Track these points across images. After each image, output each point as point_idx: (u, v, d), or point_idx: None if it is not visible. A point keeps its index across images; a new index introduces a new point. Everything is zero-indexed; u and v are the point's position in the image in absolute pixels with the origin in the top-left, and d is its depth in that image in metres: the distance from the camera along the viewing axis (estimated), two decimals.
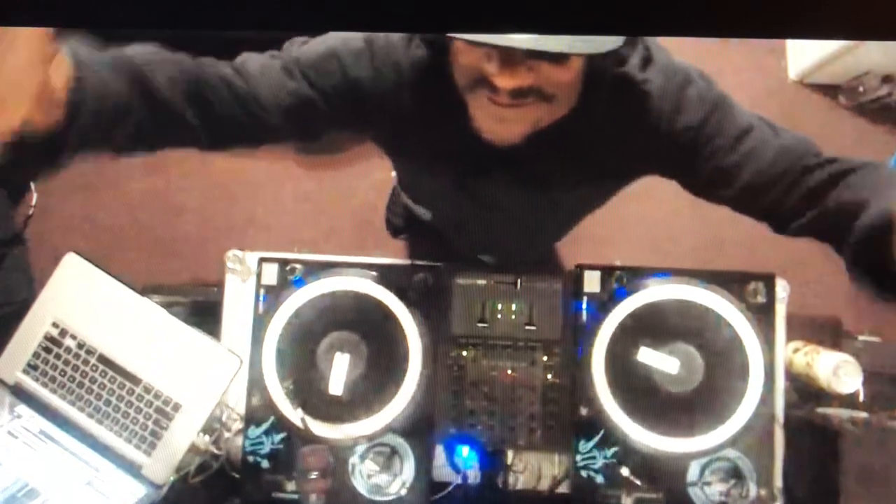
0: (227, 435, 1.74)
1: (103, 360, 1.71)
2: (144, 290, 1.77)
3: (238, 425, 1.73)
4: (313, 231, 3.09)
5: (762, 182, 1.44)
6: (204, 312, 1.84)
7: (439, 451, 1.73)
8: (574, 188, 1.64)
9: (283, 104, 1.43)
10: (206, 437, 1.71)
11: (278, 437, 1.69)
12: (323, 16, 0.54)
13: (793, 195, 1.43)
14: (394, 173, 2.18)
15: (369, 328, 1.69)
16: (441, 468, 1.73)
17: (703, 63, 3.10)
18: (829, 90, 3.12)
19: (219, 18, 0.56)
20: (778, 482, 1.66)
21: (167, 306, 1.74)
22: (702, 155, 1.44)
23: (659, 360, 1.62)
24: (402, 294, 1.69)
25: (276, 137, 1.52)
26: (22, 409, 1.70)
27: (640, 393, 1.64)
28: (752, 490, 1.63)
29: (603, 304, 1.68)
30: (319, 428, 1.66)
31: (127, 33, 1.31)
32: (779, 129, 1.46)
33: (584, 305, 1.69)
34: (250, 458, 1.69)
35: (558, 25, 0.56)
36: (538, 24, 0.57)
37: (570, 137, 1.43)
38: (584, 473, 1.66)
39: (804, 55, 3.06)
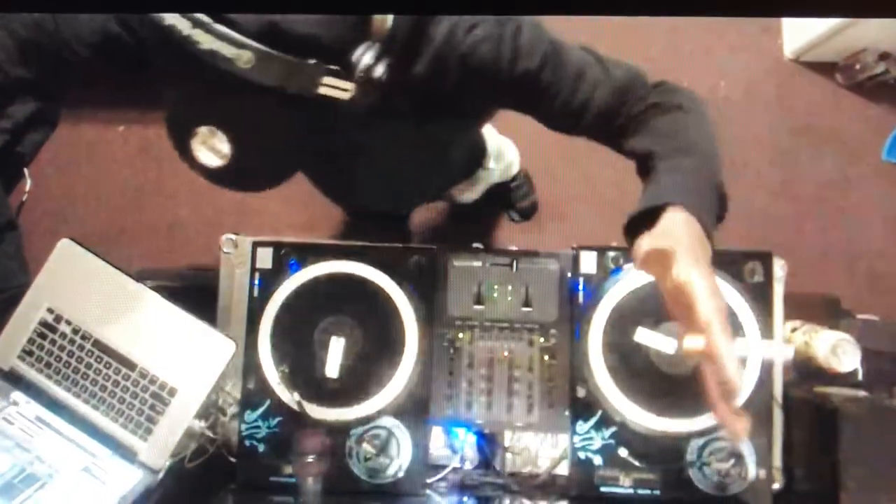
0: (223, 419, 1.73)
1: (98, 345, 1.70)
2: (139, 276, 1.76)
3: (234, 409, 1.73)
4: (307, 214, 3.08)
5: (606, 114, 1.43)
6: (199, 297, 1.83)
7: (436, 434, 1.72)
8: (434, 124, 1.61)
9: (91, 40, 1.40)
10: (202, 422, 1.70)
11: (274, 420, 1.68)
12: None
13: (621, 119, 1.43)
14: None
15: (365, 311, 1.69)
16: (438, 450, 1.73)
17: (699, 42, 3.10)
18: (826, 68, 3.11)
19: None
20: (777, 462, 1.67)
21: (162, 291, 1.73)
22: (547, 96, 1.42)
23: (656, 341, 1.62)
24: (397, 276, 1.68)
25: (90, 74, 1.51)
26: (17, 395, 1.69)
27: (638, 373, 1.64)
28: (751, 470, 1.63)
29: (599, 285, 1.68)
30: (315, 411, 1.66)
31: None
32: (609, 65, 1.45)
33: (581, 286, 1.69)
34: (247, 443, 1.69)
35: (552, 5, 0.55)
36: (527, 4, 0.57)
37: (422, 94, 1.42)
38: (581, 455, 1.65)
39: (800, 33, 3.04)
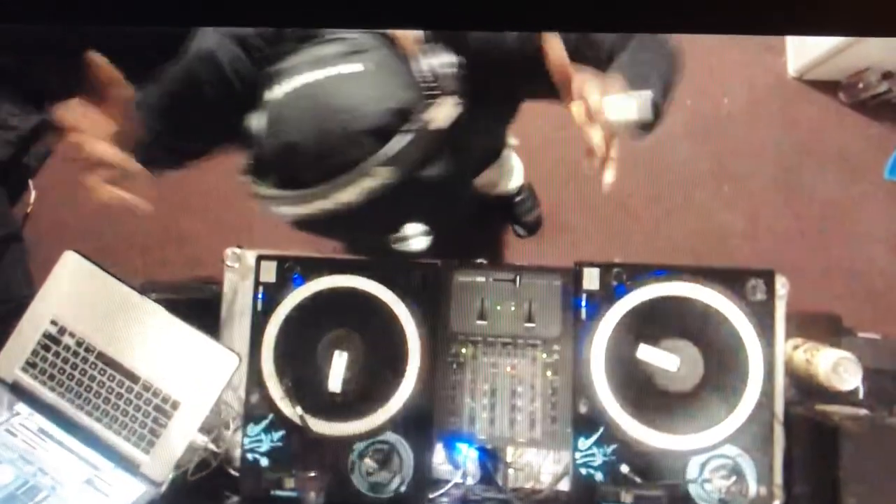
0: (225, 433, 1.74)
1: (102, 357, 1.71)
2: (143, 288, 1.77)
3: (237, 423, 1.73)
4: None
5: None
6: (203, 310, 1.83)
7: (438, 449, 1.73)
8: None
9: None
10: (205, 435, 1.70)
11: (277, 434, 1.69)
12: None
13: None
14: None
15: (368, 326, 1.69)
16: (440, 466, 1.73)
17: (703, 60, 3.11)
18: (829, 87, 3.12)
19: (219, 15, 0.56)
20: (778, 479, 1.66)
21: (166, 304, 1.74)
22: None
23: (658, 358, 1.62)
24: (400, 291, 1.69)
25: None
26: (21, 406, 1.70)
27: (640, 390, 1.64)
28: (752, 487, 1.63)
29: (602, 302, 1.68)
30: (318, 425, 1.66)
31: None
32: None
33: (584, 303, 1.69)
34: (249, 456, 1.69)
35: (559, 23, 0.55)
36: (542, 22, 0.57)
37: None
38: (583, 471, 1.66)
39: (803, 52, 3.05)
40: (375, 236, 1.22)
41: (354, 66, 1.07)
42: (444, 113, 1.12)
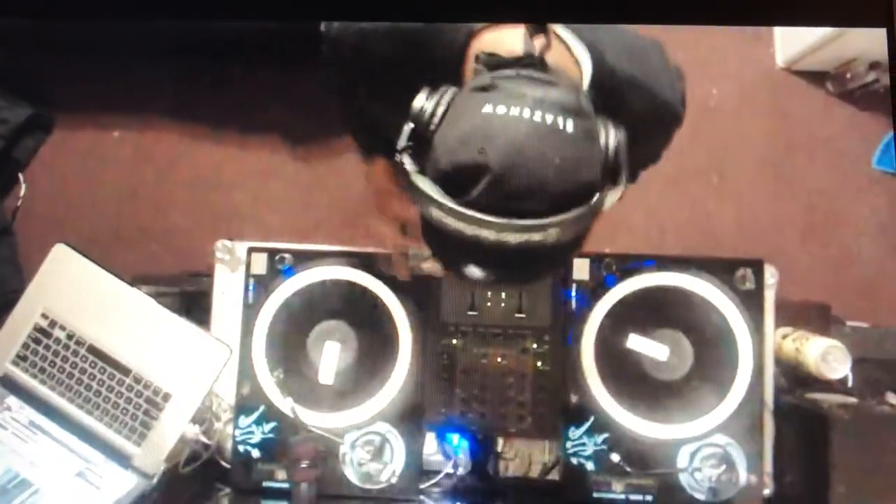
0: (217, 425, 1.74)
1: (93, 350, 1.70)
2: (134, 281, 1.76)
3: (228, 415, 1.73)
4: (302, 221, 3.09)
5: None
6: (193, 302, 1.84)
7: (430, 439, 1.73)
8: None
9: None
10: (197, 427, 1.70)
11: (268, 426, 1.69)
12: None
13: None
14: None
15: (359, 317, 1.69)
16: (431, 456, 1.73)
17: (691, 51, 3.11)
18: (817, 77, 3.12)
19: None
20: (767, 468, 1.67)
21: (157, 296, 1.73)
22: None
23: (648, 347, 1.63)
24: (391, 282, 1.69)
25: None
26: (11, 400, 1.69)
27: (630, 380, 1.65)
28: (742, 476, 1.63)
29: (592, 292, 1.68)
30: (310, 416, 1.66)
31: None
32: None
33: (574, 293, 1.70)
34: (240, 448, 1.69)
35: (552, 13, 0.56)
36: (528, 12, 0.58)
37: None
38: (574, 460, 1.66)
39: (792, 42, 3.05)
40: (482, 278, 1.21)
41: (569, 124, 1.05)
42: (613, 198, 1.13)
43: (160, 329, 1.70)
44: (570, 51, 1.20)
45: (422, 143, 1.12)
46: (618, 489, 1.66)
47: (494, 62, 1.14)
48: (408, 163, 1.12)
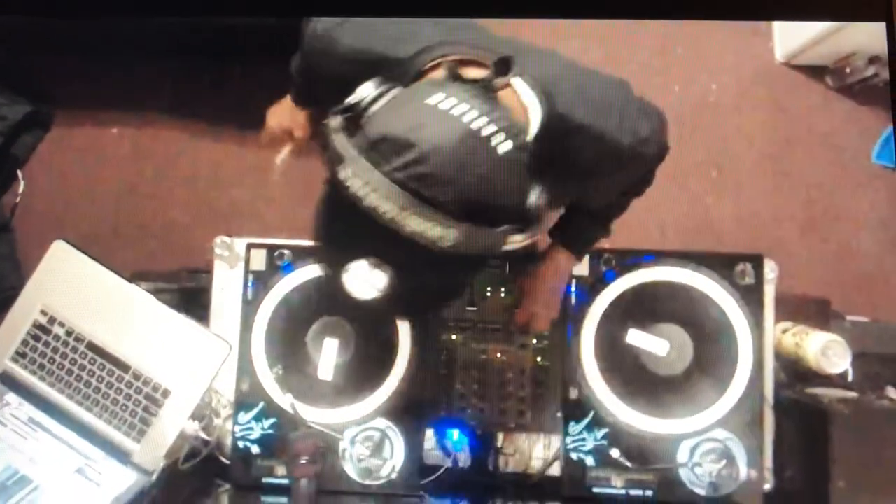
0: (216, 421, 1.74)
1: (92, 347, 1.70)
2: (133, 278, 1.76)
3: (227, 411, 1.73)
4: (301, 217, 3.08)
5: None
6: (192, 299, 1.83)
7: (429, 435, 1.73)
8: None
9: None
10: (196, 424, 1.70)
11: (268, 422, 1.69)
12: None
13: None
14: None
15: (358, 313, 1.69)
16: (431, 452, 1.73)
17: (691, 46, 3.11)
18: (817, 72, 3.11)
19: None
20: (768, 463, 1.67)
21: (156, 293, 1.73)
22: None
23: (648, 342, 1.62)
24: None
25: None
26: (11, 397, 1.69)
27: (630, 375, 1.65)
28: (742, 471, 1.63)
29: (591, 287, 1.68)
30: (309, 412, 1.66)
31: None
32: None
33: (573, 288, 1.69)
34: (240, 444, 1.69)
35: (543, 8, 0.56)
36: (519, 7, 0.57)
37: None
38: (574, 455, 1.66)
39: (791, 37, 3.04)
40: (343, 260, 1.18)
41: (505, 147, 1.05)
42: (520, 245, 1.11)
43: (159, 326, 1.70)
44: (520, 98, 1.20)
45: (355, 119, 1.12)
46: (618, 484, 1.66)
47: (455, 74, 1.15)
48: (334, 122, 1.11)
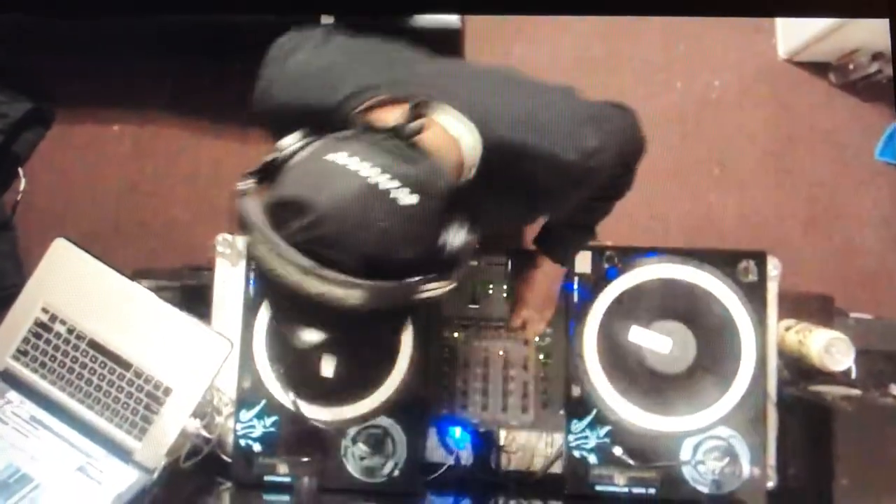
0: (218, 419, 1.74)
1: (94, 345, 1.70)
2: (134, 275, 1.76)
3: (229, 409, 1.73)
4: None
5: None
6: (194, 297, 1.83)
7: (431, 433, 1.73)
8: None
9: None
10: (198, 422, 1.70)
11: (270, 420, 1.68)
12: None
13: None
14: None
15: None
16: (433, 449, 1.73)
17: (693, 42, 3.10)
18: (820, 68, 3.11)
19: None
20: (771, 460, 1.67)
21: (157, 291, 1.73)
22: None
23: (651, 340, 1.62)
24: None
25: None
26: (12, 394, 1.69)
27: (633, 372, 1.64)
28: (746, 468, 1.63)
29: (594, 285, 1.68)
30: (311, 410, 1.66)
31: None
32: None
33: (576, 286, 1.69)
34: (242, 442, 1.69)
35: (547, 5, 0.55)
36: (521, 5, 0.57)
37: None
38: (576, 453, 1.66)
39: (794, 33, 3.04)
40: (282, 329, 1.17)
41: (408, 199, 1.04)
42: (438, 292, 1.10)
43: (161, 323, 1.70)
44: (449, 133, 1.18)
45: (273, 176, 1.11)
46: (620, 482, 1.66)
47: (365, 127, 1.14)
48: (243, 185, 1.10)
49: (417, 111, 1.15)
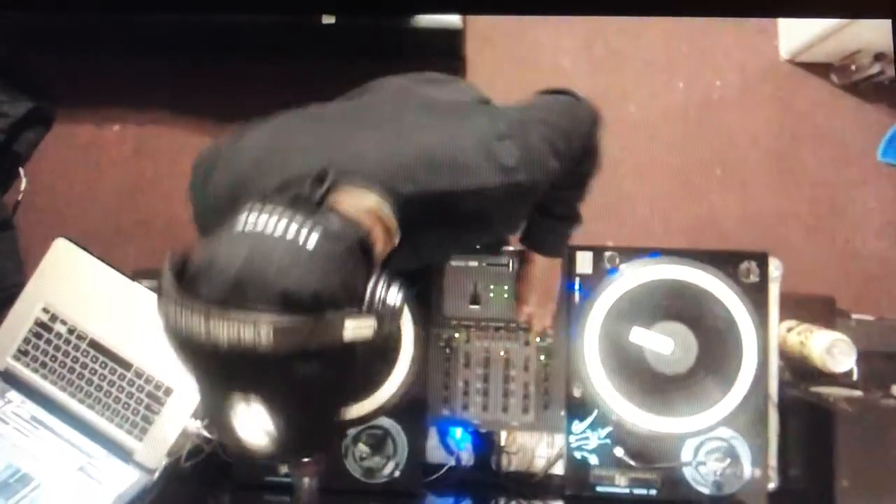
0: None
1: (94, 345, 1.70)
2: (135, 275, 1.76)
3: None
4: None
5: None
6: None
7: (432, 433, 1.72)
8: None
9: None
10: (198, 422, 1.70)
11: None
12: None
13: None
14: None
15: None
16: (434, 450, 1.73)
17: (696, 42, 3.10)
18: (821, 69, 3.11)
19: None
20: (772, 461, 1.67)
21: (158, 291, 1.73)
22: None
23: (652, 341, 1.62)
24: None
25: None
26: (13, 394, 1.69)
27: (634, 373, 1.64)
28: (747, 469, 1.63)
29: (596, 285, 1.68)
30: None
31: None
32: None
33: (577, 286, 1.69)
34: None
35: (549, 5, 0.55)
36: (525, 4, 0.57)
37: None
38: (577, 454, 1.66)
39: (796, 34, 3.04)
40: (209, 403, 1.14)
41: (313, 241, 1.02)
42: (359, 330, 1.06)
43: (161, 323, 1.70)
44: (363, 203, 1.16)
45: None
46: (621, 483, 1.65)
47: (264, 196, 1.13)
48: (168, 261, 1.09)
49: (312, 189, 1.12)
